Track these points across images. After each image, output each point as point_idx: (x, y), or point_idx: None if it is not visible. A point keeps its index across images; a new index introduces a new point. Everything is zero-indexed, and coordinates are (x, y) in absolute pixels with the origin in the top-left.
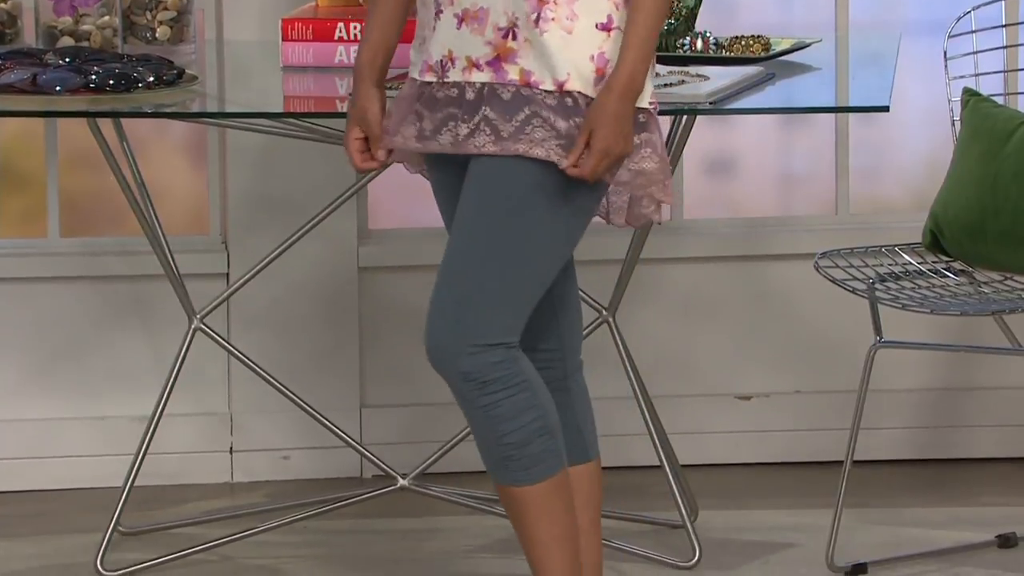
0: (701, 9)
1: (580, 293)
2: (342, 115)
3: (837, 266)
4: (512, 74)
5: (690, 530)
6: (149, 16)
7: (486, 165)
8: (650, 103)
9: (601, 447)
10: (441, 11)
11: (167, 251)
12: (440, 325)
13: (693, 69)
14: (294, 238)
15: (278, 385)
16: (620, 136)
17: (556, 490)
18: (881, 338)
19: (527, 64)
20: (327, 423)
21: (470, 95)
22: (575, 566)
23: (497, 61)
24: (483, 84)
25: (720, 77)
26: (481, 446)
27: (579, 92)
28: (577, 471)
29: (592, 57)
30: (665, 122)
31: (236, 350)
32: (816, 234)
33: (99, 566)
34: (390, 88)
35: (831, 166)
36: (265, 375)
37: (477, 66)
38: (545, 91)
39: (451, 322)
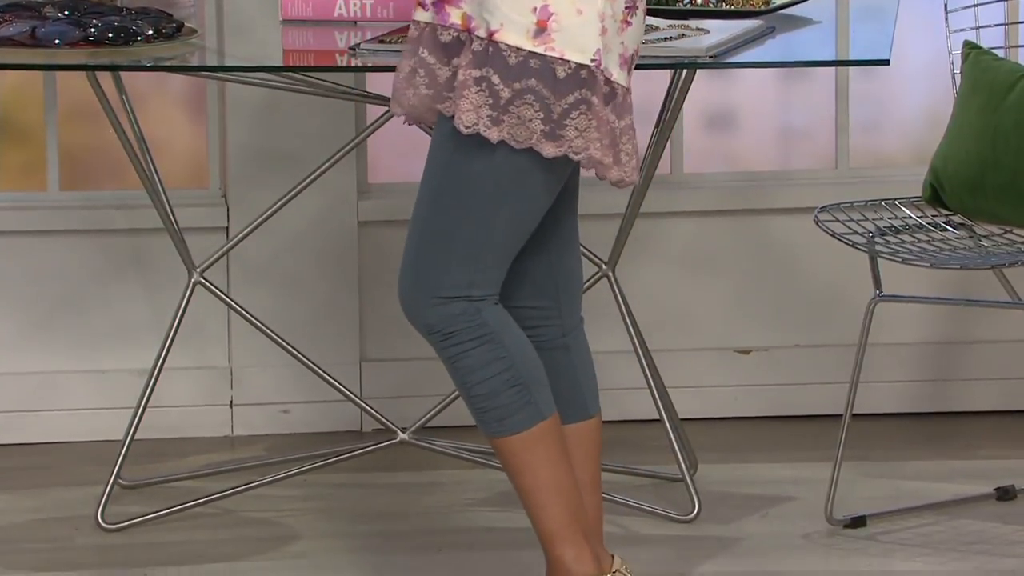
0: None
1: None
2: (341, 69)
3: (837, 220)
4: (454, 17)
5: (689, 483)
6: None
7: (440, 118)
8: (592, 60)
9: (601, 401)
10: None
11: (167, 205)
12: (405, 279)
13: (693, 23)
14: (294, 192)
15: (278, 339)
16: None
17: (537, 441)
18: (881, 292)
19: (470, 9)
20: (327, 377)
21: (414, 33)
22: (569, 513)
23: (440, 2)
24: (426, 24)
25: (720, 31)
26: (462, 398)
27: (507, 44)
28: (578, 428)
29: (535, 9)
30: (665, 76)
31: (236, 304)
32: (816, 188)
33: (100, 519)
34: (392, 42)
35: (831, 120)
36: (265, 329)
37: (423, 5)
38: (478, 38)
39: (414, 276)
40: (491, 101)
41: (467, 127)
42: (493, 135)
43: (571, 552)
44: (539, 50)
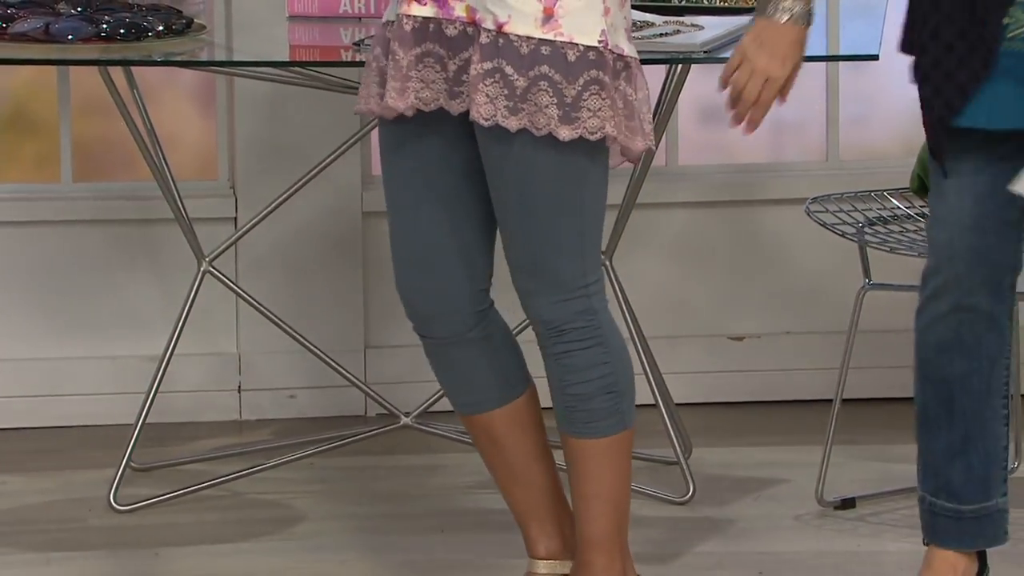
0: None
1: None
2: (346, 64)
3: (827, 211)
4: (459, 11)
5: (684, 467)
6: None
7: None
8: (599, 41)
9: None
10: None
11: (177, 196)
12: (529, 279)
13: (688, 19)
14: (300, 183)
15: (285, 326)
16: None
17: (613, 450)
18: (870, 281)
19: (473, 2)
20: (332, 363)
21: (409, 26)
22: (616, 525)
23: None
24: (427, 19)
25: (714, 27)
26: (550, 392)
27: (517, 35)
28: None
29: None
30: (660, 71)
31: (244, 292)
32: (807, 180)
33: (112, 501)
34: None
35: (822, 113)
36: (272, 316)
37: (420, 0)
38: (485, 30)
39: (533, 276)
40: (506, 92)
41: (486, 119)
42: (512, 124)
43: (602, 561)
44: (549, 36)
